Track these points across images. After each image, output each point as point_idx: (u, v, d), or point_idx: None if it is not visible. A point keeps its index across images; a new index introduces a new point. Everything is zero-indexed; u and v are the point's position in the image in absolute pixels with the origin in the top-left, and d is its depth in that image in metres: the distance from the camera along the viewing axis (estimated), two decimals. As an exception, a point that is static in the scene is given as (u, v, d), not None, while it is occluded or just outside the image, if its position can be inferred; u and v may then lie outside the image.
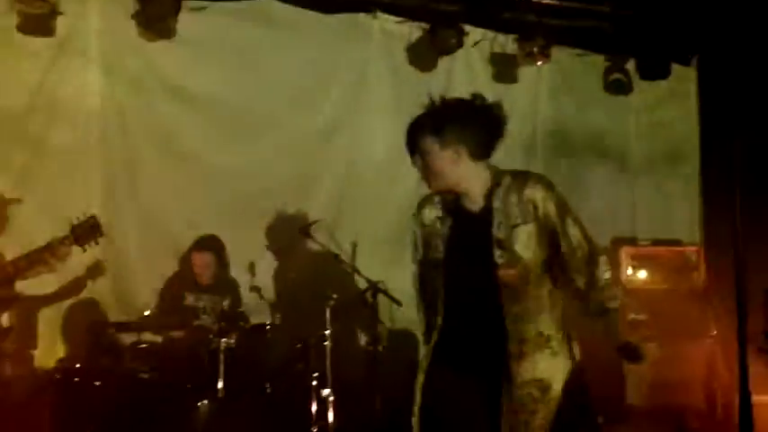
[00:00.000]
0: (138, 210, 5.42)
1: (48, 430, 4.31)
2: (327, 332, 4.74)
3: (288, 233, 5.33)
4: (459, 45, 5.93)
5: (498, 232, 2.80)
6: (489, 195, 2.85)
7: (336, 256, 5.15)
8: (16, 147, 5.12)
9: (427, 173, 2.87)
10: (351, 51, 5.93)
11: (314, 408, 4.68)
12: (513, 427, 2.76)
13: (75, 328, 5.17)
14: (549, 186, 2.84)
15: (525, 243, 2.78)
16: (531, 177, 2.87)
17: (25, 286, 4.44)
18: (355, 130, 5.94)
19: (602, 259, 2.85)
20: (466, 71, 6.17)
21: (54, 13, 5.10)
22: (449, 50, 5.95)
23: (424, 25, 5.97)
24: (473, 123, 2.82)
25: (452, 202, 2.92)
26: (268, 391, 4.58)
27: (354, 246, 5.61)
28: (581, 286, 2.84)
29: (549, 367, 2.78)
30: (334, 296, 4.79)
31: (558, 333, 2.83)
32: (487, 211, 2.84)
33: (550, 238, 2.82)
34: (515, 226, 2.79)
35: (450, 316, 2.86)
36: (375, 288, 5.02)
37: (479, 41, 6.20)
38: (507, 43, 6.25)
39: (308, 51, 5.78)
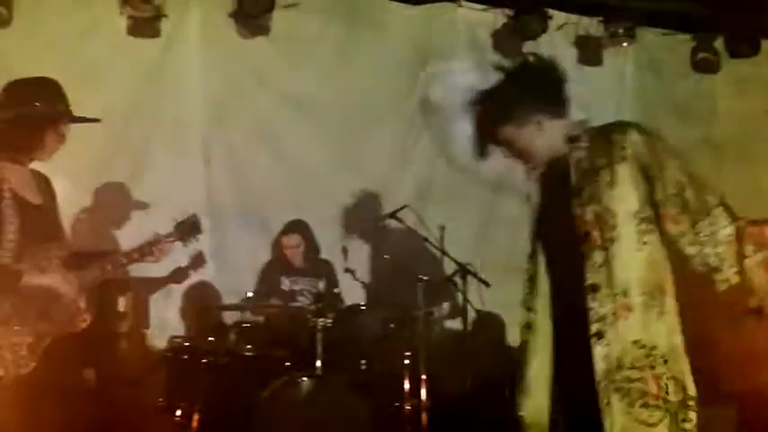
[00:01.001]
0: (237, 198, 5.62)
1: (160, 405, 4.50)
2: (419, 312, 4.81)
3: (379, 218, 5.41)
4: (544, 30, 5.90)
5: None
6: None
7: (425, 239, 5.23)
8: (124, 145, 5.39)
9: (521, 159, 2.72)
10: (436, 41, 5.98)
11: (406, 386, 4.74)
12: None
13: (190, 309, 5.44)
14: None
15: None
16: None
17: (137, 274, 4.73)
18: (443, 118, 5.99)
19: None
20: (551, 51, 6.12)
21: (159, 15, 5.32)
22: (533, 36, 5.93)
23: (508, 12, 5.96)
24: (533, 86, 2.64)
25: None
26: (363, 368, 4.68)
27: (443, 229, 5.68)
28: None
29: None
30: (425, 278, 4.87)
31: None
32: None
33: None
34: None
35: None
36: (464, 270, 5.08)
37: (564, 25, 6.16)
38: (592, 26, 6.19)
39: (396, 44, 5.87)
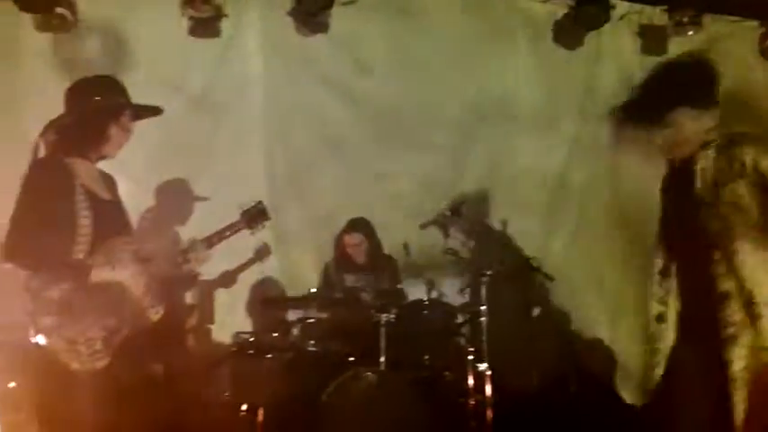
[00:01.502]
0: (298, 196, 5.64)
1: (225, 399, 4.58)
2: (483, 307, 4.76)
3: (439, 212, 5.37)
4: (606, 20, 5.78)
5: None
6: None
7: (488, 233, 5.17)
8: (186, 143, 5.40)
9: (670, 143, 2.87)
10: (495, 33, 5.91)
11: (470, 381, 4.70)
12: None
13: (254, 304, 5.48)
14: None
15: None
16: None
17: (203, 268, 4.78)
18: (503, 109, 5.93)
19: None
20: (613, 45, 6.01)
21: (219, 15, 5.36)
22: (595, 26, 5.81)
23: (570, 2, 5.85)
24: (704, 79, 2.83)
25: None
26: (426, 363, 4.65)
27: (505, 223, 5.62)
28: None
29: None
30: (489, 272, 4.82)
31: None
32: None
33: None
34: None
35: None
36: (528, 264, 5.02)
37: (627, 14, 6.03)
38: (656, 15, 6.04)
39: (454, 38, 5.80)
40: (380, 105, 5.71)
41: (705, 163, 2.78)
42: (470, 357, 4.74)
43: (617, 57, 5.95)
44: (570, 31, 5.90)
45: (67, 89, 3.24)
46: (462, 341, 4.78)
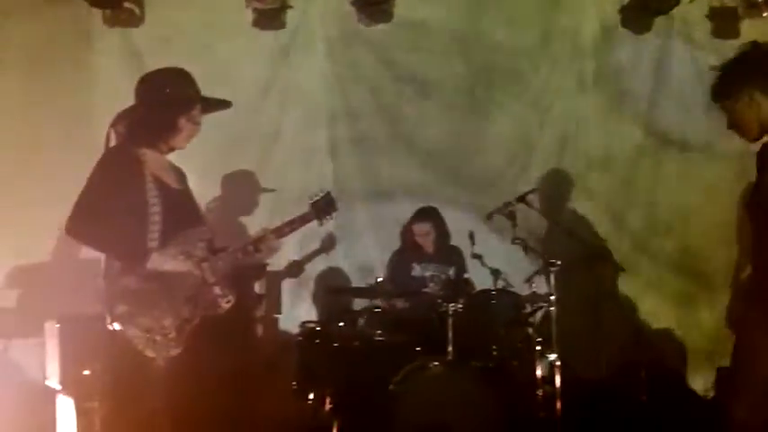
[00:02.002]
0: (364, 186, 5.62)
1: (293, 388, 4.54)
2: (552, 297, 4.66)
3: (507, 202, 5.26)
4: (676, 3, 5.59)
5: None
6: None
7: (556, 222, 5.06)
8: (252, 134, 5.47)
9: (736, 130, 3.02)
10: (561, 20, 5.76)
11: (539, 372, 4.59)
12: None
13: (319, 294, 5.50)
14: None
15: None
16: None
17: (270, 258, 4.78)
18: (567, 98, 5.79)
19: None
20: (683, 29, 5.82)
21: (284, 6, 5.37)
22: (665, 10, 5.63)
23: (638, -15, 5.69)
24: (754, 64, 2.99)
25: None
26: (494, 354, 4.56)
27: (574, 212, 5.51)
28: None
29: None
30: (558, 262, 4.72)
31: None
32: None
33: None
34: None
35: None
36: (598, 253, 4.89)
37: (697, -3, 5.83)
38: (728, -4, 5.82)
39: (519, 26, 5.69)
40: (445, 92, 5.65)
41: None
42: (539, 347, 4.63)
43: (687, 41, 5.76)
44: (639, 16, 5.73)
45: (138, 81, 3.26)
46: (531, 331, 4.67)
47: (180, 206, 3.20)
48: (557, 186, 5.68)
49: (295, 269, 5.42)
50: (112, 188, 3.05)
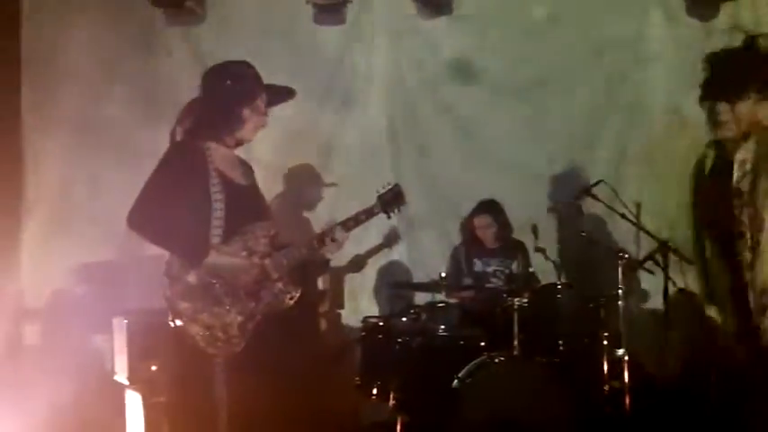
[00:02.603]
0: (425, 179, 5.53)
1: (356, 384, 4.51)
2: (620, 291, 4.50)
3: (570, 194, 5.11)
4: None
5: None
6: None
7: (623, 215, 4.87)
8: (313, 129, 5.41)
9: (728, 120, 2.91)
10: (626, 5, 5.55)
11: (606, 367, 4.48)
12: None
13: (383, 288, 5.45)
14: None
15: None
16: None
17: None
18: (634, 86, 5.58)
19: None
20: (751, 13, 5.55)
21: (344, 1, 5.32)
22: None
23: (704, -29, 5.44)
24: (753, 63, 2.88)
25: None
26: (560, 349, 4.46)
27: (638, 205, 5.30)
28: None
29: None
30: (625, 255, 4.54)
31: None
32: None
33: None
34: None
35: None
36: (665, 247, 4.69)
37: (770, -21, 5.55)
38: (802, -24, 5.53)
39: (584, 14, 5.49)
40: (507, 84, 5.50)
41: (744, 154, 2.84)
42: (606, 342, 4.51)
43: (755, 24, 5.48)
44: (705, 3, 5.48)
45: (203, 75, 3.24)
46: (597, 326, 4.51)
47: (244, 202, 3.16)
48: (622, 177, 5.42)
49: (357, 264, 5.36)
50: (175, 183, 3.03)
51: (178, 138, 3.16)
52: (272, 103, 3.26)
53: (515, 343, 4.30)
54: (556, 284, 4.69)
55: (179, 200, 3.00)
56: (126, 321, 4.16)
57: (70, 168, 5.27)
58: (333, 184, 5.25)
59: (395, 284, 5.29)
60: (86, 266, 5.10)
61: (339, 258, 5.14)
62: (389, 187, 3.43)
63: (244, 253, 3.08)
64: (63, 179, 5.30)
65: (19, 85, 5.25)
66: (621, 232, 5.28)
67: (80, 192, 5.25)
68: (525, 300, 4.38)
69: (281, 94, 3.31)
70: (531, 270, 5.02)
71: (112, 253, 5.08)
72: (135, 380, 4.13)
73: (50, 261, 5.17)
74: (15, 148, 5.21)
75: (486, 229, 5.17)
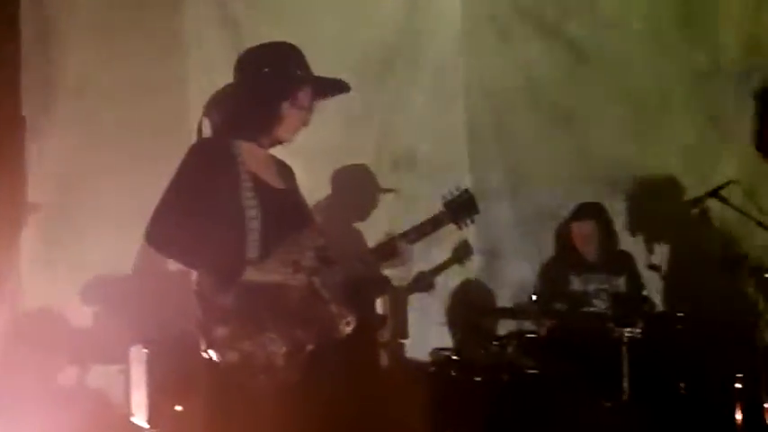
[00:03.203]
0: (508, 179, 5.51)
1: (422, 428, 4.52)
2: (762, 319, 4.43)
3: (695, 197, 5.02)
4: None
5: None
6: None
7: (760, 223, 4.77)
8: (372, 122, 5.47)
9: None
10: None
11: (739, 416, 4.44)
12: None
13: (454, 314, 5.49)
14: None
15: None
16: None
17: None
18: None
19: None
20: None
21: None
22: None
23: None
24: None
25: None
26: (683, 392, 4.45)
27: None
28: None
29: None
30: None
31: None
32: None
33: None
34: None
35: None
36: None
37: None
38: None
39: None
40: (606, 58, 5.50)
41: None
42: (739, 385, 4.46)
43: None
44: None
45: (237, 59, 3.22)
46: (729, 364, 4.44)
47: (284, 209, 3.13)
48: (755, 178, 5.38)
49: (423, 283, 5.37)
50: (201, 188, 3.02)
51: (206, 132, 3.16)
52: (319, 95, 3.24)
53: (625, 384, 4.29)
54: (676, 313, 4.65)
55: (205, 209, 2.99)
56: (146, 351, 4.18)
57: (75, 167, 5.34)
58: (390, 190, 5.26)
59: (472, 309, 5.33)
60: (97, 284, 5.13)
61: (400, 276, 5.17)
62: (458, 192, 3.42)
63: (288, 269, 3.04)
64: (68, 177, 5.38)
65: (18, 86, 5.34)
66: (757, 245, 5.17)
67: (87, 193, 5.29)
68: (639, 330, 4.36)
69: (332, 87, 3.27)
70: (644, 293, 4.95)
71: (127, 268, 5.12)
72: (157, 422, 4.18)
73: (52, 276, 5.23)
74: (17, 146, 5.31)
75: (586, 237, 5.15)
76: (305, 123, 3.21)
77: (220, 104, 3.18)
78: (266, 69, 3.14)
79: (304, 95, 3.18)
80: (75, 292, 5.10)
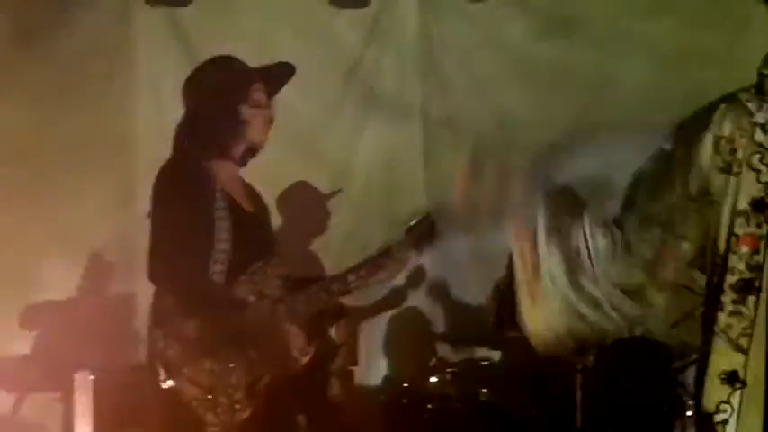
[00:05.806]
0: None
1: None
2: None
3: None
4: None
5: None
6: None
7: None
8: (327, 143, 5.57)
9: None
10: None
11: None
12: None
13: (397, 341, 5.45)
14: None
15: None
16: None
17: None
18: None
19: None
20: None
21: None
22: None
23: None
24: None
25: None
26: (634, 421, 4.47)
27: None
28: None
29: None
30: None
31: None
32: None
33: None
34: None
35: None
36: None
37: None
38: None
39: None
40: (572, 81, 5.53)
41: None
42: (690, 413, 4.38)
43: None
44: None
45: (184, 83, 3.33)
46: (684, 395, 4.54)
47: (252, 233, 3.22)
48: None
49: (373, 309, 5.37)
50: (179, 214, 3.08)
51: (180, 159, 3.24)
52: (270, 86, 3.33)
53: (577, 415, 4.31)
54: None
55: (187, 234, 3.06)
56: (92, 377, 4.14)
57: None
58: (337, 192, 5.25)
59: (422, 337, 5.30)
60: (36, 306, 5.08)
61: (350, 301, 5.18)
62: (421, 217, 3.53)
63: (252, 297, 3.14)
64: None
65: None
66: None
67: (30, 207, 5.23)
68: (590, 358, 4.33)
69: (280, 74, 3.38)
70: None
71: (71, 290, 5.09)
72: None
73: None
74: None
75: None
76: (270, 121, 3.31)
77: (184, 129, 3.27)
78: (214, 79, 3.26)
79: (257, 92, 3.28)
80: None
